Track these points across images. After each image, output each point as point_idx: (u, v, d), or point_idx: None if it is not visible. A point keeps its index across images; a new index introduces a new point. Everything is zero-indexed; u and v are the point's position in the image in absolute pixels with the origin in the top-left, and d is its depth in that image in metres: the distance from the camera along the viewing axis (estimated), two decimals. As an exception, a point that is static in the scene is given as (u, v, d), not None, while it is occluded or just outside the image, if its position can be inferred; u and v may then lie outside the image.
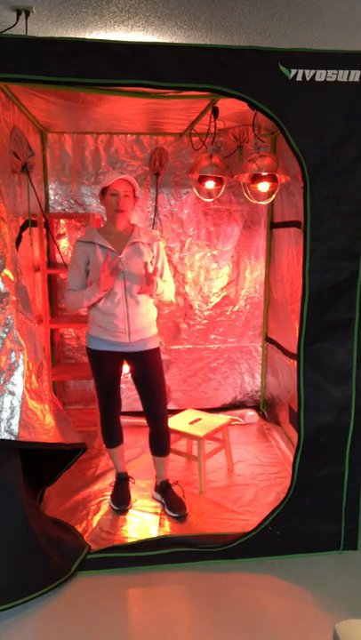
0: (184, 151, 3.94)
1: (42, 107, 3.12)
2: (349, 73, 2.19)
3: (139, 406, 2.94)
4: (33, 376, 2.35)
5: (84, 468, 3.36)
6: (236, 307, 4.24)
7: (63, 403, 4.17)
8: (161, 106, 3.04)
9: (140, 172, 3.93)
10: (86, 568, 2.42)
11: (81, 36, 3.23)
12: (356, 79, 2.20)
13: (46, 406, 2.44)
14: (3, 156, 2.86)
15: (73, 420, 2.97)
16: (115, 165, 3.91)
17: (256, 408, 4.37)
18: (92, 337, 2.79)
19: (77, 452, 2.68)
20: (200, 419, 3.34)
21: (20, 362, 2.25)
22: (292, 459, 2.51)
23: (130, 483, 3.08)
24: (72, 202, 3.95)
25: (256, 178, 3.27)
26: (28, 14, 2.90)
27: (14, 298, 2.29)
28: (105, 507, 2.94)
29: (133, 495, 3.02)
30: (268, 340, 4.24)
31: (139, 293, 2.67)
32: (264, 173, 3.17)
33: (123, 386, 3.31)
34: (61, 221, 3.97)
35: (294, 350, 3.46)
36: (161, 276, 2.82)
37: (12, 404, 2.22)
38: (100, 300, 2.69)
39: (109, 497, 3.00)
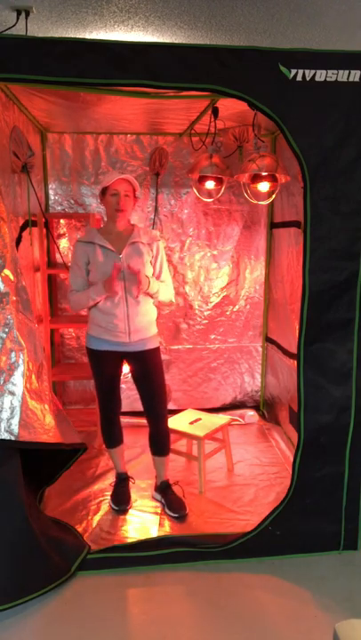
0: (184, 151, 3.94)
1: (42, 107, 3.12)
2: (349, 73, 2.19)
3: (139, 406, 2.94)
4: (33, 376, 2.35)
5: (84, 467, 3.36)
6: (236, 307, 4.24)
7: (63, 403, 4.17)
8: (161, 106, 3.04)
9: (140, 172, 3.93)
10: (86, 568, 2.42)
11: (81, 36, 3.23)
12: (356, 79, 2.20)
13: (46, 406, 2.44)
14: (3, 156, 2.86)
15: (73, 420, 2.97)
16: (115, 165, 3.91)
17: (256, 408, 4.37)
18: (92, 337, 2.79)
19: (77, 452, 2.68)
20: (200, 419, 3.34)
21: (20, 362, 2.26)
22: (292, 459, 2.51)
23: (130, 483, 3.08)
24: (72, 202, 3.95)
25: (256, 178, 3.27)
26: (28, 14, 2.90)
27: (14, 298, 2.29)
28: (105, 507, 2.94)
29: (133, 495, 3.02)
30: (268, 339, 4.24)
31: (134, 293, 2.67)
32: (264, 173, 3.17)
33: (123, 386, 3.32)
34: (61, 221, 3.97)
35: (294, 350, 3.47)
36: (159, 276, 2.82)
37: (12, 403, 2.22)
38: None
39: (109, 497, 3.00)
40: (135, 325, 2.71)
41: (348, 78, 2.20)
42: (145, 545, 2.56)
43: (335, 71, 2.18)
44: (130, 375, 2.92)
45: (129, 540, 2.62)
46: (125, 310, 2.68)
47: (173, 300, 2.94)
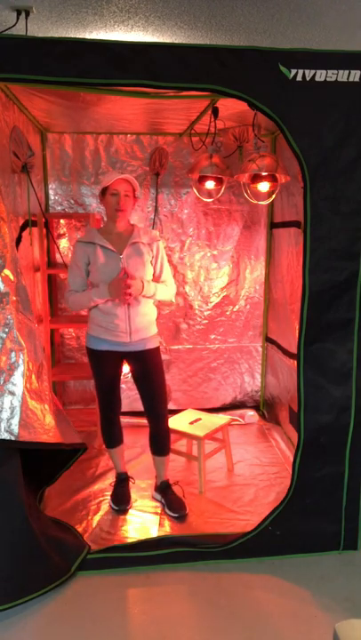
0: (184, 151, 3.94)
1: (42, 107, 3.12)
2: (349, 73, 2.19)
3: (139, 406, 2.94)
4: (33, 376, 2.35)
5: (84, 467, 3.36)
6: (236, 307, 4.24)
7: (63, 403, 4.17)
8: (161, 106, 3.04)
9: (140, 172, 3.93)
10: (86, 568, 2.42)
11: (81, 36, 3.23)
12: (356, 79, 2.20)
13: (46, 406, 2.44)
14: (3, 156, 2.86)
15: (73, 420, 2.98)
16: (115, 165, 3.90)
17: (256, 408, 4.37)
18: (93, 337, 2.78)
19: (77, 452, 2.68)
20: (200, 419, 3.34)
21: (20, 362, 2.26)
22: (292, 459, 2.51)
23: (130, 483, 3.08)
24: (72, 202, 3.95)
25: (256, 178, 3.27)
26: (28, 14, 2.90)
27: (14, 298, 2.29)
28: (105, 507, 2.94)
29: (133, 495, 3.02)
30: (268, 340, 4.24)
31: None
32: (264, 173, 3.17)
33: (123, 386, 3.32)
34: (61, 221, 3.97)
35: (294, 350, 3.47)
36: (160, 276, 2.82)
37: (12, 403, 2.22)
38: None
39: (109, 497, 3.00)
40: (136, 325, 2.71)
41: (348, 78, 2.20)
42: (145, 545, 2.56)
43: (335, 71, 2.18)
44: (130, 375, 2.92)
45: (129, 540, 2.62)
46: (126, 310, 2.68)
47: (174, 300, 2.94)
